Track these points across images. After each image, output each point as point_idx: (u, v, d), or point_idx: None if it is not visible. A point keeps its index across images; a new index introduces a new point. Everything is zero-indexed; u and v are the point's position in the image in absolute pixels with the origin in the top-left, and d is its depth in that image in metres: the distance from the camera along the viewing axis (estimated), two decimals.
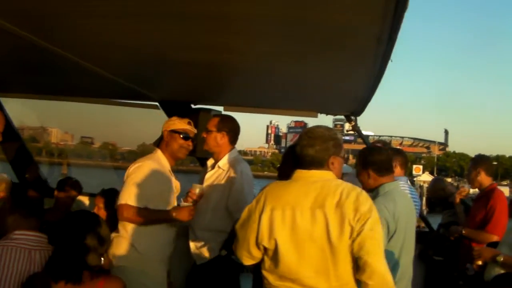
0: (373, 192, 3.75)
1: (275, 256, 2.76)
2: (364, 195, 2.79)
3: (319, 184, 2.76)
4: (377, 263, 2.67)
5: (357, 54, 3.28)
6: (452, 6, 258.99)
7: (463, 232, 5.24)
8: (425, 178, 79.83)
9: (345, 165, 4.51)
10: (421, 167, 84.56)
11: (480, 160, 5.50)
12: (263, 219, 2.77)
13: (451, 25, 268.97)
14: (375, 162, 3.80)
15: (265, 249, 2.80)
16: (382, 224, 3.47)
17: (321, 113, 5.95)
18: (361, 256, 2.66)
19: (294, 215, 2.70)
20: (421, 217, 5.59)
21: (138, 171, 4.00)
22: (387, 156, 3.92)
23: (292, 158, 3.36)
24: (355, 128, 6.03)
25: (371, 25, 2.62)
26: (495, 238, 4.83)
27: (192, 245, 4.29)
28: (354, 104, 5.17)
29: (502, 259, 3.90)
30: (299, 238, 2.68)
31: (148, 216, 3.94)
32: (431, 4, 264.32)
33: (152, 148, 4.33)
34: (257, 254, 2.85)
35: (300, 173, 2.86)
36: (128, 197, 3.90)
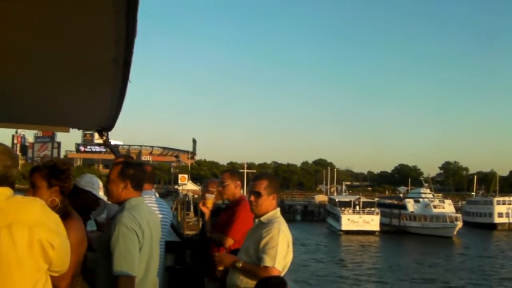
0: (119, 204, 3.85)
1: None
2: (48, 208, 2.82)
3: (2, 203, 2.65)
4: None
5: (98, 76, 3.42)
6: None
7: (208, 234, 5.48)
8: (190, 187, 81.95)
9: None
10: (186, 176, 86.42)
11: (238, 173, 5.79)
12: None
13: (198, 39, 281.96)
14: (135, 176, 3.87)
15: None
16: (132, 235, 3.59)
17: (73, 128, 5.96)
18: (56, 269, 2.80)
19: None
20: (172, 227, 5.79)
21: None
22: (144, 172, 4.11)
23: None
24: (107, 143, 6.10)
25: (106, 51, 2.78)
26: (230, 241, 5.12)
27: None
28: (103, 120, 5.26)
29: (241, 265, 4.15)
30: None
31: None
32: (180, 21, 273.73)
33: None
34: None
35: None
36: None
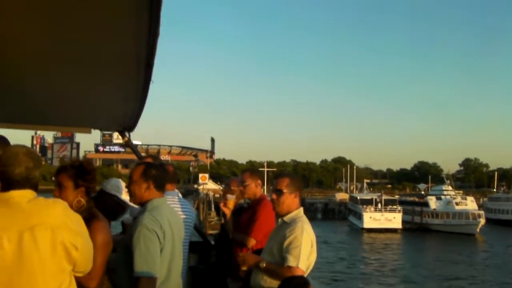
0: (142, 205, 3.86)
1: None
2: (70, 209, 2.84)
3: (25, 205, 2.67)
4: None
5: (120, 77, 3.44)
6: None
7: (230, 235, 5.44)
8: (211, 186, 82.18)
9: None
10: (207, 175, 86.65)
11: (258, 173, 5.74)
12: None
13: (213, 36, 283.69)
14: (157, 176, 3.88)
15: None
16: (153, 237, 3.59)
17: (94, 128, 5.96)
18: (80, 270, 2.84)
19: (1, 242, 2.55)
20: (195, 228, 5.77)
21: None
22: (167, 172, 4.14)
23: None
24: (129, 143, 6.09)
25: (128, 52, 2.80)
26: (253, 241, 5.06)
27: None
28: (125, 121, 5.27)
29: (264, 265, 4.14)
30: (7, 265, 2.55)
31: None
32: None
33: None
34: None
35: (1, 196, 2.69)
36: None
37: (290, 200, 4.28)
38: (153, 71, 3.16)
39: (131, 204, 4.19)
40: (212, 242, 6.39)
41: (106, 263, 3.57)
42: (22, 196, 2.68)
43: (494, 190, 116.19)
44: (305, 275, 4.01)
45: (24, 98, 4.40)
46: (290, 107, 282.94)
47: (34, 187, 2.76)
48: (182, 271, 4.13)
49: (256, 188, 5.41)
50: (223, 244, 5.73)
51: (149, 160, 5.12)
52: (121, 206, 4.32)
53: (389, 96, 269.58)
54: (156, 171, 3.93)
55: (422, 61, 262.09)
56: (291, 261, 4.00)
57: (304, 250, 4.05)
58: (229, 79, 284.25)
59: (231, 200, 5.49)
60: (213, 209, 50.54)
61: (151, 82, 3.46)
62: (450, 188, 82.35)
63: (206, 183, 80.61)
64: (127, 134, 5.97)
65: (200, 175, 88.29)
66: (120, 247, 3.87)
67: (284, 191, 4.27)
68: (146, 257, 3.55)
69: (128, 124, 5.54)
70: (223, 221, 5.78)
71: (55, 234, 2.63)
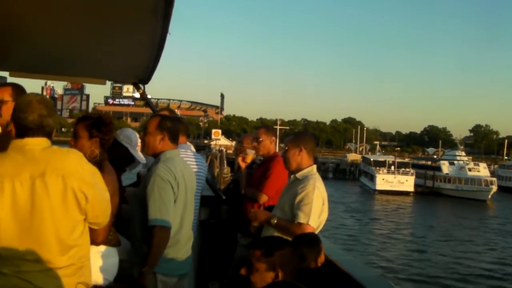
0: (155, 157, 3.89)
1: None
2: (85, 160, 2.85)
3: (38, 153, 2.68)
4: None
5: (137, 28, 3.39)
6: None
7: (242, 191, 5.49)
8: (223, 142, 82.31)
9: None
10: (219, 131, 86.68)
11: (273, 130, 5.75)
12: None
13: None
14: (172, 128, 3.91)
15: None
16: (167, 187, 3.64)
17: (109, 80, 5.95)
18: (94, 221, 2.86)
19: (14, 187, 2.57)
20: (206, 181, 5.78)
21: None
22: (179, 125, 4.14)
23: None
24: (143, 96, 6.06)
25: (146, 2, 2.77)
26: (264, 197, 5.12)
27: None
28: (140, 72, 5.23)
29: (275, 221, 4.14)
30: (21, 212, 2.57)
31: None
32: None
33: None
34: None
35: (16, 143, 2.70)
36: None
37: (295, 155, 4.28)
38: (170, 22, 3.11)
39: (139, 159, 4.21)
40: (224, 197, 6.40)
41: (115, 215, 3.60)
42: (36, 143, 2.69)
43: (506, 158, 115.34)
44: (316, 233, 4.00)
45: (39, 48, 4.39)
46: (301, 65, 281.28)
47: (48, 135, 2.77)
48: (193, 224, 4.16)
49: (270, 145, 5.43)
50: (234, 199, 5.77)
51: (165, 113, 5.12)
52: (129, 158, 4.32)
53: (401, 58, 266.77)
54: (171, 123, 3.95)
55: (436, 24, 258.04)
56: (302, 218, 4.00)
57: (315, 208, 4.04)
58: (240, 35, 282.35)
59: (250, 155, 5.54)
60: (225, 165, 50.39)
61: (168, 34, 3.41)
62: (463, 153, 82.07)
63: (218, 139, 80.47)
64: (141, 86, 5.93)
65: (213, 130, 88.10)
66: (134, 198, 3.89)
67: (288, 146, 4.30)
68: (160, 206, 3.58)
69: (143, 77, 5.50)
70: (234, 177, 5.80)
71: (65, 181, 2.64)
